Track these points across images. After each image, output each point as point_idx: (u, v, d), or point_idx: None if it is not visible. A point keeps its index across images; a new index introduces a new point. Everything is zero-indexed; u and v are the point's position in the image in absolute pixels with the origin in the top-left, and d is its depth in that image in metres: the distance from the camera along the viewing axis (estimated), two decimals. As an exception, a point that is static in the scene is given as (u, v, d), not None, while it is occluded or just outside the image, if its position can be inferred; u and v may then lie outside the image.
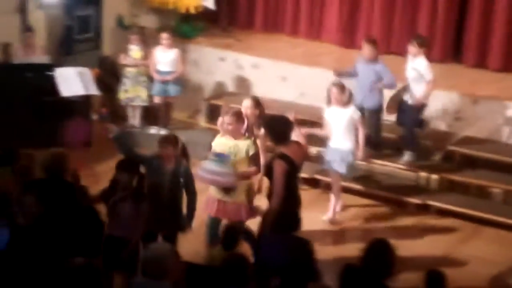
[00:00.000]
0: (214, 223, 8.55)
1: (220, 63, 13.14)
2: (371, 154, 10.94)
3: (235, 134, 8.44)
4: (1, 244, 6.77)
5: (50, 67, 11.52)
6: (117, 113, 12.90)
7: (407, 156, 11.11)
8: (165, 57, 12.33)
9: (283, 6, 14.26)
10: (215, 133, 11.72)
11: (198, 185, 8.27)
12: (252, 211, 8.57)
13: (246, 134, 8.74)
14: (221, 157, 8.31)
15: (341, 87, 9.94)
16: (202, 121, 13.04)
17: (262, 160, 8.67)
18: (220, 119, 8.93)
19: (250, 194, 8.56)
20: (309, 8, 14.05)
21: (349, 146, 9.98)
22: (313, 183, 11.15)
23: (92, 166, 11.03)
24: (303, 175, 10.89)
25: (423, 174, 11.07)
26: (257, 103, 9.19)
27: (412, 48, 10.89)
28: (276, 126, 8.13)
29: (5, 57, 12.18)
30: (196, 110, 13.12)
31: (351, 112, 9.94)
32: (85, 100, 11.66)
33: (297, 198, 8.18)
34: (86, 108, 11.90)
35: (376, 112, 11.00)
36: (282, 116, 8.37)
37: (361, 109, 10.49)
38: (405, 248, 9.24)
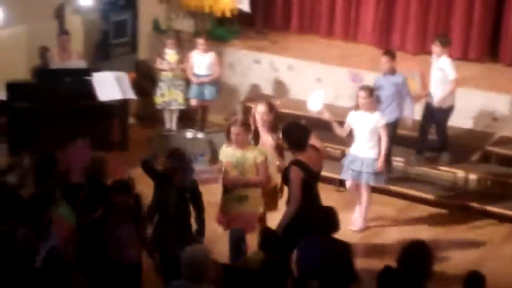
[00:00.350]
0: (237, 238, 8.44)
1: (255, 66, 13.16)
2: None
3: (242, 144, 8.32)
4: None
5: (87, 72, 11.65)
6: (153, 117, 12.96)
7: (444, 156, 11.05)
8: (201, 61, 12.38)
9: (318, 8, 14.24)
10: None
11: (208, 198, 8.18)
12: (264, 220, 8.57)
13: (252, 142, 8.68)
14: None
15: (369, 91, 9.77)
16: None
17: (278, 165, 8.69)
18: (232, 129, 8.39)
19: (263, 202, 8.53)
20: (344, 9, 14.03)
21: (371, 155, 9.72)
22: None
23: (128, 170, 11.09)
24: (338, 176, 10.94)
25: (461, 174, 11.01)
26: (271, 107, 9.05)
27: (436, 48, 10.81)
28: (293, 133, 8.08)
29: (43, 61, 12.32)
30: (231, 112, 13.15)
31: (377, 118, 9.76)
32: (123, 104, 11.74)
33: (317, 204, 8.02)
34: (124, 112, 11.99)
35: (392, 126, 10.53)
36: (299, 123, 8.42)
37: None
38: (443, 249, 9.23)
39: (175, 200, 7.75)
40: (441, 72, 10.70)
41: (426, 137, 11.13)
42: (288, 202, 8.03)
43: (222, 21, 13.93)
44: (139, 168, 10.78)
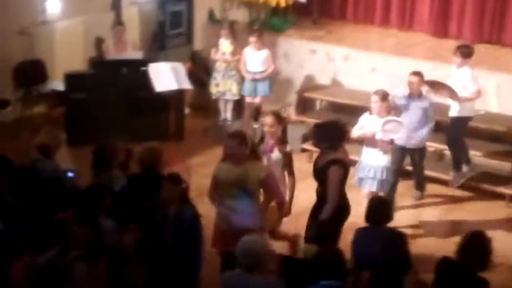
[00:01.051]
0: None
1: (311, 56, 13.13)
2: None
3: (239, 159, 7.47)
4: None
5: (144, 62, 11.74)
6: (209, 106, 13.03)
7: (465, 168, 10.60)
8: (255, 58, 12.24)
9: (373, -3, 14.18)
10: (306, 126, 11.89)
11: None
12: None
13: (265, 155, 8.22)
14: (245, 192, 7.39)
15: (383, 95, 9.28)
16: (293, 114, 13.07)
17: (288, 180, 8.31)
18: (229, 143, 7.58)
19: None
20: (399, -3, 13.95)
21: (383, 162, 9.25)
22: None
23: (185, 159, 11.19)
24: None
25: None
26: (280, 118, 8.50)
27: (456, 59, 10.14)
28: (330, 131, 7.96)
29: (99, 52, 12.46)
30: (287, 103, 13.15)
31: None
32: (178, 94, 11.82)
33: (347, 202, 8.00)
34: (180, 102, 12.06)
35: (420, 152, 10.05)
36: (334, 121, 8.38)
37: (403, 150, 9.83)
38: (498, 240, 9.13)
39: (172, 231, 7.03)
40: (461, 83, 10.11)
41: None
42: (320, 201, 7.94)
43: (277, 11, 13.93)
44: (195, 158, 10.90)
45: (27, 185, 7.23)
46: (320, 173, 7.93)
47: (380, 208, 7.37)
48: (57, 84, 12.20)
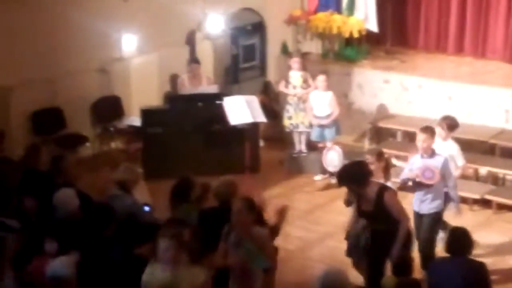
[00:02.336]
0: None
1: (384, 85, 13.09)
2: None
3: (175, 263, 6.35)
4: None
5: (218, 96, 11.85)
6: (283, 139, 13.05)
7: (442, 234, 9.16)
8: (320, 101, 12.08)
9: (446, 25, 14.06)
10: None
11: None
12: None
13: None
14: None
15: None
16: (366, 144, 13.02)
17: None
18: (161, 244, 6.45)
19: None
20: (473, 25, 13.79)
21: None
22: (483, 203, 10.92)
23: (260, 191, 11.21)
24: (473, 196, 10.77)
25: None
26: (380, 156, 8.57)
27: (441, 131, 9.35)
28: (356, 172, 7.88)
29: (174, 87, 12.64)
30: (361, 133, 13.11)
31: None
32: (253, 127, 11.89)
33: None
34: (254, 135, 12.13)
35: (433, 221, 8.94)
36: (355, 161, 8.33)
37: (418, 216, 9.00)
38: None
39: None
40: (449, 158, 9.30)
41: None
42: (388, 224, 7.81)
43: (350, 41, 13.93)
44: (271, 190, 10.93)
45: (102, 220, 7.32)
46: (375, 209, 7.81)
47: (462, 238, 7.24)
48: (134, 120, 12.40)
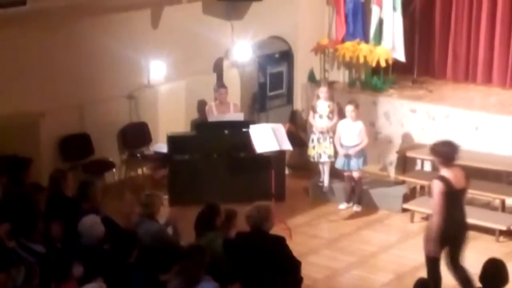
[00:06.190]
0: None
1: (411, 115, 13.06)
2: None
3: None
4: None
5: (245, 124, 11.90)
6: (309, 167, 13.04)
7: None
8: (349, 130, 12.03)
9: (474, 55, 14.02)
10: (407, 185, 11.83)
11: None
12: None
13: None
14: None
15: None
16: (393, 173, 12.99)
17: None
18: None
19: None
20: (501, 55, 13.72)
21: None
22: (510, 234, 10.85)
23: (286, 220, 11.22)
24: (499, 227, 10.71)
25: None
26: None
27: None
28: (443, 148, 8.64)
29: (201, 114, 12.71)
30: (387, 162, 13.08)
31: None
32: (279, 155, 11.90)
33: (458, 220, 8.51)
34: (280, 163, 12.13)
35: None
36: (449, 141, 8.89)
37: None
38: None
39: None
40: None
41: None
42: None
43: (377, 70, 13.94)
44: (296, 218, 10.92)
45: (125, 248, 7.34)
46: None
47: (497, 270, 7.10)
48: (161, 146, 12.48)
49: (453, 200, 8.43)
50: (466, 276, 8.58)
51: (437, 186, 8.36)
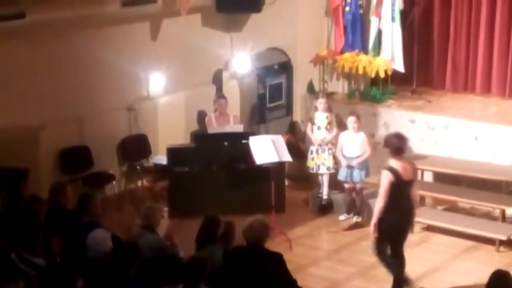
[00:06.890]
0: None
1: (410, 125, 13.07)
2: None
3: None
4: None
5: (245, 135, 11.90)
6: (309, 178, 13.04)
7: None
8: (351, 142, 12.05)
9: (473, 65, 14.03)
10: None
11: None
12: None
13: None
14: None
15: None
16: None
17: None
18: None
19: None
20: (500, 65, 13.74)
21: None
22: (510, 244, 10.84)
23: (286, 231, 11.21)
24: (499, 237, 10.70)
25: None
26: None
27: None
28: (392, 140, 9.13)
29: (200, 125, 12.72)
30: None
31: None
32: (279, 166, 11.90)
33: (404, 210, 9.06)
34: (280, 174, 12.13)
35: None
36: (400, 133, 9.51)
37: None
38: None
39: None
40: None
41: None
42: None
43: (376, 81, 13.95)
44: (297, 230, 10.92)
45: (127, 260, 7.33)
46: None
47: (503, 281, 7.06)
48: (160, 158, 12.48)
49: (401, 190, 8.98)
50: (401, 268, 9.15)
51: (385, 176, 8.95)
